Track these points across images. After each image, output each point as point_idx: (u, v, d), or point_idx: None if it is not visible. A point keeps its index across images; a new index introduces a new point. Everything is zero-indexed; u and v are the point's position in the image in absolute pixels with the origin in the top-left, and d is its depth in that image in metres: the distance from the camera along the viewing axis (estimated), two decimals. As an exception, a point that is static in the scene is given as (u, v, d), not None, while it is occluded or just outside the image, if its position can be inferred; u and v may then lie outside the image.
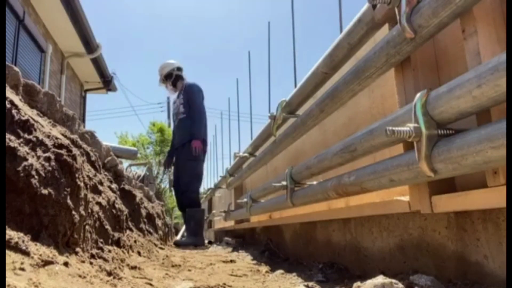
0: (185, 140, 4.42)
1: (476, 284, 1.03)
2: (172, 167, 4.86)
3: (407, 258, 1.39)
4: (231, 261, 2.35)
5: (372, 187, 1.23)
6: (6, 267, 0.68)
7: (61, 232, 0.99)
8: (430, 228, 1.27)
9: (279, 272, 1.76)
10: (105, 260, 1.23)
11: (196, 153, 4.33)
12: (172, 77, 4.64)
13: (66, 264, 0.88)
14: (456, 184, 1.11)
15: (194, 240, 4.12)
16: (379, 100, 1.61)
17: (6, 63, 1.16)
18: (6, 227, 0.80)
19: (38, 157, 0.98)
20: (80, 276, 0.88)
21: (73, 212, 1.04)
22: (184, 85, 4.62)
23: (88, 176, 1.35)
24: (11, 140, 0.90)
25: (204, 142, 4.49)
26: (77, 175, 1.11)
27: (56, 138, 1.08)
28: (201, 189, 6.85)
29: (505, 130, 0.71)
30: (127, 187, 2.49)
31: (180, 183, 4.43)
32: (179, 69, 4.69)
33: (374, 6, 1.23)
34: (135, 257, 1.83)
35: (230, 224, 5.14)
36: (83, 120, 8.10)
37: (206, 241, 5.28)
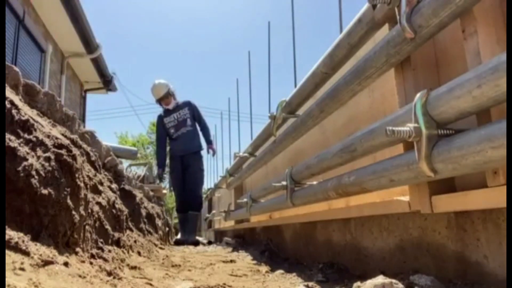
0: (196, 149, 5.07)
1: (476, 284, 1.03)
2: (167, 174, 5.38)
3: (407, 258, 1.39)
4: (231, 261, 2.35)
5: (372, 187, 1.23)
6: (6, 267, 0.68)
7: (61, 232, 0.99)
8: (430, 228, 1.27)
9: (279, 272, 1.76)
10: (105, 260, 1.23)
11: (216, 154, 5.48)
12: (175, 94, 5.09)
13: (66, 264, 0.88)
14: (456, 184, 1.11)
15: (193, 239, 4.67)
16: (379, 100, 1.61)
17: (6, 63, 1.16)
18: (6, 227, 0.80)
19: (38, 157, 0.98)
20: (80, 276, 0.88)
21: (73, 212, 1.04)
22: (182, 101, 5.14)
23: (88, 176, 1.35)
24: (11, 140, 0.90)
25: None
26: (77, 175, 1.11)
27: (56, 138, 1.08)
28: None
29: (505, 130, 0.71)
30: (127, 187, 2.49)
31: (188, 188, 4.97)
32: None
33: (374, 6, 1.23)
34: (135, 257, 1.83)
35: (230, 224, 5.15)
36: (83, 120, 8.10)
37: (206, 241, 5.93)
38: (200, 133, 5.18)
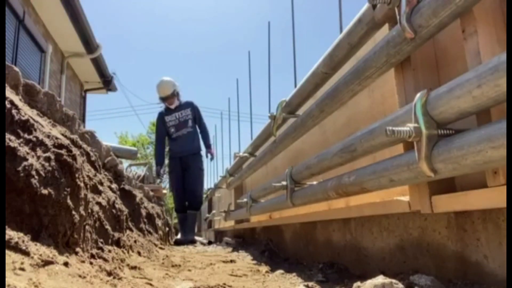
0: (196, 151, 5.08)
1: (476, 284, 1.03)
2: (165, 173, 5.47)
3: (407, 258, 1.39)
4: (231, 261, 2.35)
5: (372, 187, 1.23)
6: (6, 267, 0.68)
7: (61, 232, 0.99)
8: (430, 228, 1.27)
9: (279, 272, 1.76)
10: (105, 260, 1.23)
11: (213, 158, 5.46)
12: (179, 94, 5.11)
13: (66, 264, 0.88)
14: (456, 184, 1.11)
15: (191, 237, 4.77)
16: (379, 100, 1.61)
17: (6, 63, 1.16)
18: (6, 227, 0.80)
19: (38, 157, 0.98)
20: (80, 276, 0.88)
21: (73, 212, 1.04)
22: (184, 101, 5.14)
23: (88, 176, 1.35)
24: (11, 140, 0.90)
25: None
26: (77, 175, 1.11)
27: (56, 138, 1.08)
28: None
29: (505, 130, 0.71)
30: (127, 187, 2.49)
31: (188, 188, 5.00)
32: None
33: (374, 6, 1.23)
34: (135, 257, 1.83)
35: (230, 224, 5.15)
36: (83, 120, 8.10)
37: (206, 241, 5.93)
38: (200, 135, 5.18)
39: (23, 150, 0.93)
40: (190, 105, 5.09)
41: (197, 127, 5.12)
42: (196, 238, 5.33)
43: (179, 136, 5.02)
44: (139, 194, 2.82)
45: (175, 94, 4.97)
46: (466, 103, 0.81)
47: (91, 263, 1.10)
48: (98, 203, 1.52)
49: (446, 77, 1.10)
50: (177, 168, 5.03)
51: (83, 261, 1.04)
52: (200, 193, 5.22)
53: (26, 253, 0.77)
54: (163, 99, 4.98)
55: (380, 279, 0.95)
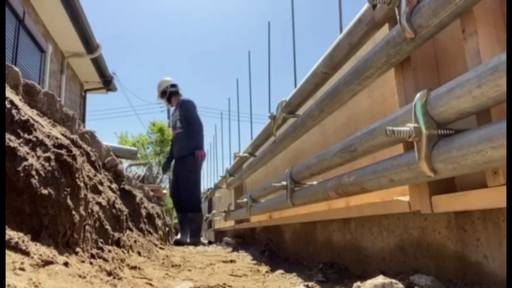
0: (184, 153, 4.85)
1: (476, 284, 1.03)
2: (170, 171, 5.65)
3: (407, 258, 1.39)
4: (231, 261, 2.35)
5: (372, 187, 1.23)
6: (6, 267, 0.68)
7: (61, 232, 0.99)
8: (430, 228, 1.27)
9: (279, 272, 1.76)
10: (105, 260, 1.23)
11: (201, 161, 4.94)
12: (166, 94, 5.08)
13: (66, 264, 0.88)
14: (456, 184, 1.11)
15: (194, 241, 4.56)
16: (379, 100, 1.61)
17: (6, 63, 1.16)
18: (6, 227, 0.80)
19: (38, 157, 0.98)
20: (80, 276, 0.88)
21: (73, 212, 1.04)
22: (179, 101, 5.07)
23: (88, 176, 1.35)
24: (11, 140, 0.90)
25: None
26: (77, 175, 1.11)
27: (56, 138, 1.08)
28: (201, 190, 6.97)
29: (505, 130, 0.71)
30: (127, 187, 2.49)
31: (182, 190, 4.86)
32: (173, 86, 5.12)
33: (374, 6, 1.23)
34: (135, 257, 1.83)
35: (230, 224, 5.15)
36: (83, 120, 8.10)
37: (206, 241, 5.88)
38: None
39: (23, 150, 0.93)
40: (180, 105, 4.98)
41: (189, 127, 4.85)
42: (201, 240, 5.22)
43: (174, 136, 5.11)
44: (139, 194, 2.82)
45: (166, 90, 5.07)
46: (466, 103, 0.81)
47: (91, 263, 1.10)
48: (98, 203, 1.52)
49: (446, 77, 1.10)
50: (174, 169, 5.12)
51: (83, 261, 1.04)
52: (195, 194, 4.93)
53: (26, 253, 0.77)
54: (162, 99, 5.21)
55: (380, 279, 0.95)
